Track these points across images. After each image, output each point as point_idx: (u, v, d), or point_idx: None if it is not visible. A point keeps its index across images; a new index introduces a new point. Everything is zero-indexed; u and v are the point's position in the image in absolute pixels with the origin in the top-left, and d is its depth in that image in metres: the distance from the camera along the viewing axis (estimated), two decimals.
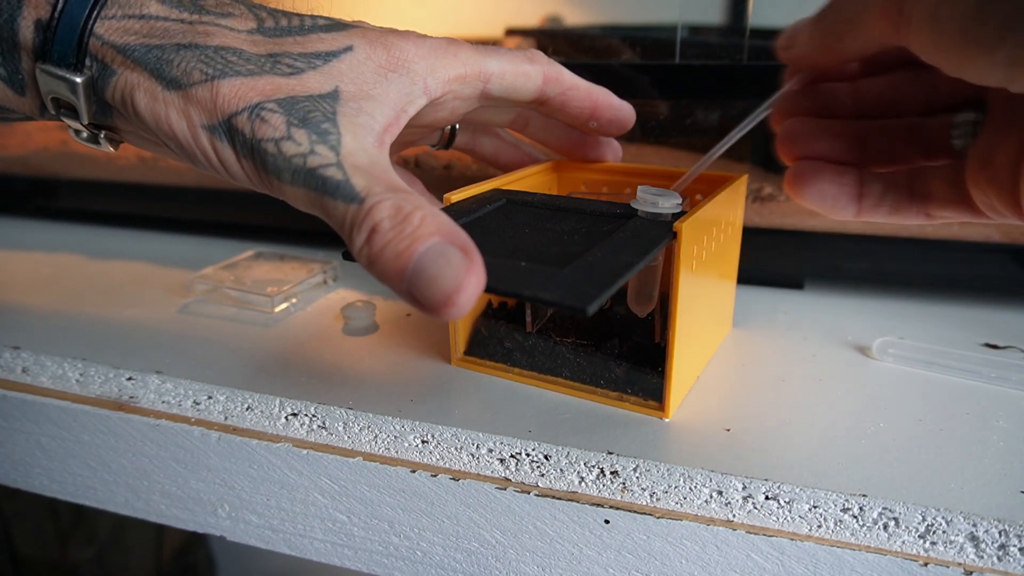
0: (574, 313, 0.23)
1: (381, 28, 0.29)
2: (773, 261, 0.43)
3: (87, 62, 0.26)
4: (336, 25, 0.28)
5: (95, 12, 0.26)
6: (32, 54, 0.26)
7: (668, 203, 0.29)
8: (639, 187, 0.31)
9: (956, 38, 0.21)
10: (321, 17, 0.29)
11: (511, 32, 0.52)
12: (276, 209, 0.39)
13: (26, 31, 0.26)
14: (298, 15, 0.29)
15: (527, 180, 0.37)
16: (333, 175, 0.24)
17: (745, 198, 0.37)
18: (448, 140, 0.38)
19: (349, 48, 0.28)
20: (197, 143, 0.26)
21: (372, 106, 0.27)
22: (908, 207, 0.28)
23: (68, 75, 0.26)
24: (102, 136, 0.29)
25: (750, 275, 0.44)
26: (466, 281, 0.22)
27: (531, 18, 0.53)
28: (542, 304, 0.24)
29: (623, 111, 0.35)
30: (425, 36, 0.30)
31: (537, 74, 0.32)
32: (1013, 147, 0.24)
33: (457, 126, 0.38)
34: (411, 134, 0.36)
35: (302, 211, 0.26)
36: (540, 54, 0.33)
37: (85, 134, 0.29)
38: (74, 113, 0.27)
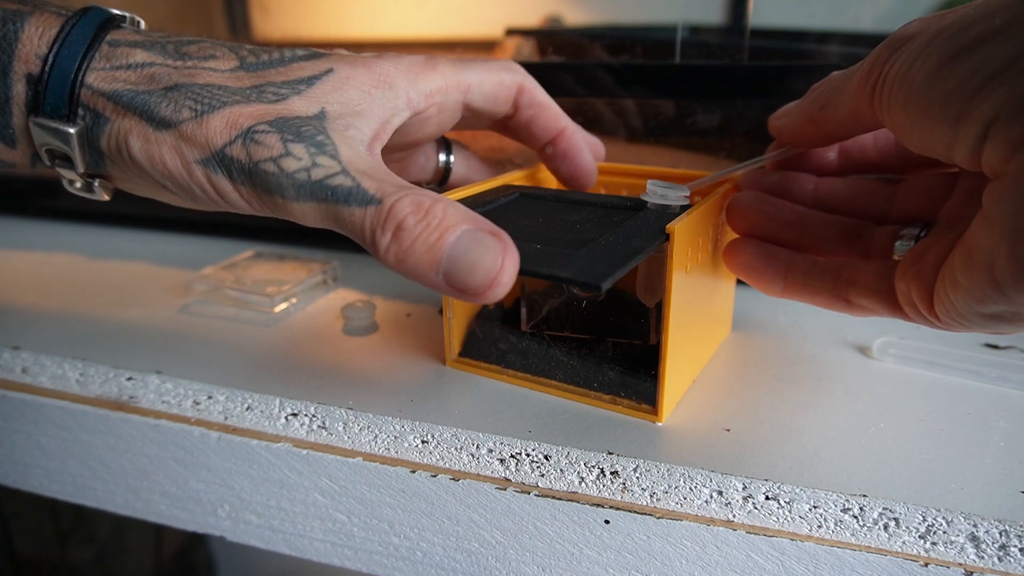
0: (588, 290, 0.24)
1: (357, 54, 0.30)
2: None
3: (80, 112, 0.26)
4: (315, 54, 0.29)
5: (85, 64, 0.26)
6: (24, 108, 0.27)
7: (676, 195, 0.30)
8: (648, 180, 0.32)
9: (923, 100, 0.22)
10: (300, 48, 0.30)
11: (511, 32, 0.52)
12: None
13: (17, 85, 0.26)
14: (277, 49, 0.29)
15: (530, 181, 0.37)
16: (342, 183, 0.25)
17: None
18: (443, 176, 0.38)
19: (330, 71, 0.28)
20: (193, 178, 0.26)
21: (359, 121, 0.28)
22: (830, 292, 0.30)
23: (62, 127, 0.26)
24: (96, 184, 0.29)
25: None
26: (506, 261, 0.23)
27: (531, 18, 0.53)
28: (558, 281, 0.24)
29: (583, 156, 0.35)
30: (402, 55, 0.31)
31: (512, 83, 0.33)
32: (944, 247, 0.24)
33: (452, 160, 0.38)
34: (403, 160, 0.37)
35: (310, 227, 0.26)
36: (518, 66, 0.34)
37: (79, 183, 0.29)
38: (68, 163, 0.27)
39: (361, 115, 0.28)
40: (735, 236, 0.36)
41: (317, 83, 0.28)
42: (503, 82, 0.32)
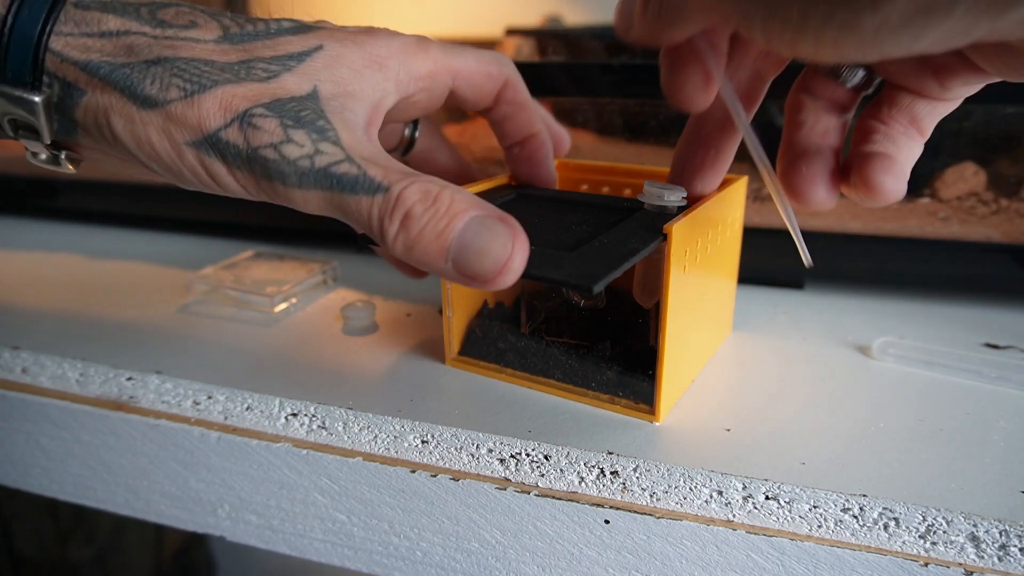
0: (581, 291, 0.24)
1: (347, 28, 0.29)
2: (773, 261, 0.43)
3: (46, 80, 0.25)
4: (302, 27, 0.28)
5: (48, 28, 0.25)
6: None
7: (673, 196, 0.30)
8: (645, 181, 0.31)
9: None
10: (285, 20, 0.28)
11: (511, 32, 0.52)
12: (276, 209, 0.39)
13: None
14: (262, 20, 0.28)
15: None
16: (347, 171, 0.24)
17: (745, 200, 0.37)
18: (407, 145, 0.38)
19: (320, 47, 0.27)
20: (183, 161, 0.25)
21: (352, 103, 0.27)
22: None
23: (26, 95, 0.25)
24: (62, 157, 0.28)
25: (750, 275, 0.44)
26: (516, 248, 0.23)
27: (531, 18, 0.53)
28: (551, 283, 0.24)
29: (545, 167, 0.35)
30: (395, 33, 0.30)
31: (499, 75, 0.32)
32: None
33: (418, 132, 0.37)
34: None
35: (310, 213, 0.25)
36: (508, 59, 0.33)
37: (44, 155, 0.27)
38: (33, 134, 0.26)
39: (353, 96, 0.27)
40: (736, 238, 0.36)
41: (307, 59, 0.27)
42: (491, 74, 0.32)
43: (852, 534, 0.26)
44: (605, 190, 0.38)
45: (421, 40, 0.30)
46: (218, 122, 0.24)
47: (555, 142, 0.36)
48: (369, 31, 0.29)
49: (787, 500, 0.26)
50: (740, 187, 0.35)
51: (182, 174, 0.26)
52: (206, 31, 0.27)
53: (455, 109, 0.35)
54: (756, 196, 0.43)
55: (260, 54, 0.26)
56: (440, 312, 0.41)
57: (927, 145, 0.26)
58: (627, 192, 0.37)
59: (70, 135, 0.26)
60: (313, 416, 0.32)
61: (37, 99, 0.25)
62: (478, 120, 0.46)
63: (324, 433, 0.32)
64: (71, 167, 0.28)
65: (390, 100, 0.29)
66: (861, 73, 0.26)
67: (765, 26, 0.18)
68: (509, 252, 0.23)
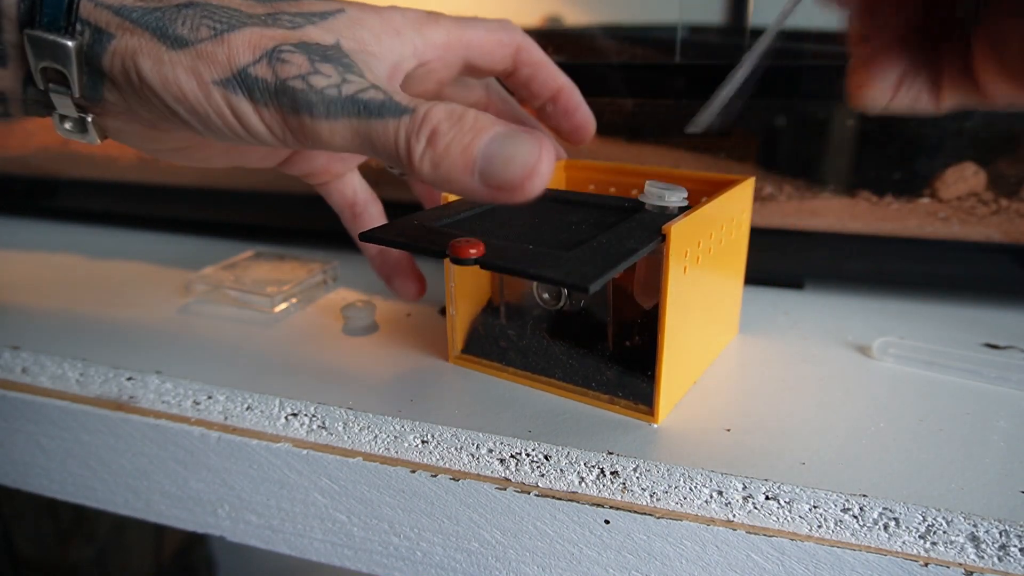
0: (576, 291, 0.24)
1: (364, 2, 0.30)
2: (773, 261, 0.43)
3: (78, 27, 0.25)
4: None
5: None
6: (17, 22, 0.26)
7: (674, 197, 0.30)
8: (647, 181, 0.31)
9: None
10: None
11: None
12: (276, 209, 0.39)
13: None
14: None
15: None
16: (374, 96, 0.24)
17: (752, 200, 0.36)
18: None
19: (341, 10, 0.28)
20: (210, 101, 0.25)
21: (373, 61, 0.27)
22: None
23: (59, 39, 0.25)
24: (89, 121, 0.28)
25: (750, 275, 0.44)
26: (543, 152, 0.23)
27: (531, 18, 0.53)
28: (547, 282, 0.24)
29: (582, 111, 0.36)
30: (407, 8, 0.31)
31: (511, 41, 0.33)
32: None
33: None
34: None
35: (336, 151, 0.26)
36: (513, 23, 0.34)
37: (72, 117, 0.28)
38: (64, 86, 0.26)
39: (374, 56, 0.28)
40: (743, 239, 0.35)
41: (331, 18, 0.27)
42: (501, 40, 0.33)
43: (852, 534, 0.26)
44: (612, 190, 0.38)
45: (433, 13, 0.31)
46: (247, 58, 0.25)
47: (579, 122, 0.36)
48: (384, 6, 0.30)
49: (787, 500, 0.26)
50: (747, 187, 0.34)
51: (208, 117, 0.26)
52: None
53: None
54: (756, 196, 0.43)
55: (285, 9, 0.27)
56: (440, 312, 0.41)
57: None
58: (634, 193, 0.37)
59: (96, 91, 0.27)
60: (313, 416, 0.32)
61: (71, 43, 0.25)
62: None
63: (324, 433, 0.32)
64: (98, 138, 0.28)
65: (408, 64, 0.30)
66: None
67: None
68: (537, 155, 0.23)
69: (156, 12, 0.25)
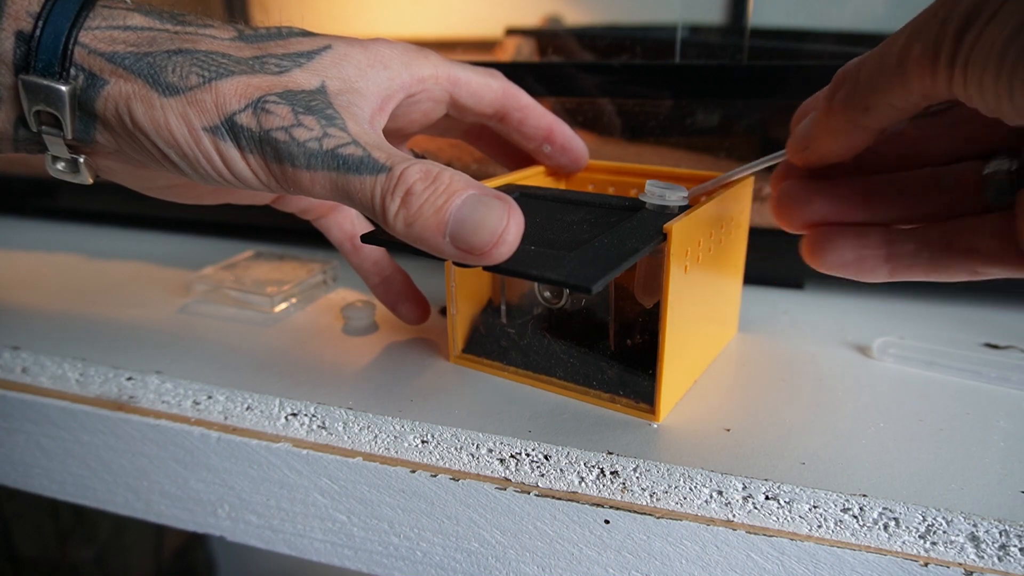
0: (578, 292, 0.24)
1: (351, 37, 0.31)
2: (773, 261, 0.43)
3: (72, 72, 0.26)
4: (310, 33, 0.30)
5: (80, 21, 0.26)
6: (13, 67, 0.26)
7: (675, 196, 0.30)
8: (647, 181, 0.31)
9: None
10: (295, 27, 0.30)
11: (511, 32, 0.52)
12: (276, 209, 0.39)
13: (6, 43, 0.26)
14: (274, 26, 0.30)
15: (534, 180, 0.37)
16: (353, 152, 0.25)
17: (752, 200, 0.36)
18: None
19: (328, 47, 0.29)
20: (199, 146, 0.26)
21: (358, 98, 0.28)
22: (948, 264, 0.26)
23: (53, 84, 0.26)
24: (81, 161, 0.28)
25: (750, 275, 0.44)
26: (511, 220, 0.24)
27: (531, 18, 0.53)
28: (548, 283, 0.25)
29: (576, 143, 0.37)
30: (394, 41, 0.32)
31: (499, 87, 0.34)
32: None
33: None
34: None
35: (315, 198, 0.26)
36: (501, 74, 0.35)
37: (64, 158, 0.28)
38: (56, 129, 0.27)
39: (359, 93, 0.28)
40: (742, 239, 0.35)
41: (316, 58, 0.28)
42: (489, 84, 0.34)
43: (852, 534, 0.26)
44: (611, 190, 0.38)
45: (420, 47, 0.32)
46: (235, 106, 0.26)
47: (577, 154, 0.37)
48: (372, 38, 0.31)
49: (787, 500, 0.26)
50: (746, 187, 0.34)
51: (197, 161, 0.26)
52: (222, 31, 0.28)
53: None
54: (756, 196, 0.43)
55: (272, 51, 0.28)
56: (441, 312, 0.41)
57: None
58: (633, 192, 0.37)
59: (88, 133, 0.27)
60: (313, 416, 0.32)
61: (64, 88, 0.26)
62: None
63: (324, 433, 0.32)
64: (89, 176, 0.29)
65: (396, 97, 0.30)
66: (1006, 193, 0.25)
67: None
68: (504, 224, 0.24)
69: (147, 58, 0.26)
